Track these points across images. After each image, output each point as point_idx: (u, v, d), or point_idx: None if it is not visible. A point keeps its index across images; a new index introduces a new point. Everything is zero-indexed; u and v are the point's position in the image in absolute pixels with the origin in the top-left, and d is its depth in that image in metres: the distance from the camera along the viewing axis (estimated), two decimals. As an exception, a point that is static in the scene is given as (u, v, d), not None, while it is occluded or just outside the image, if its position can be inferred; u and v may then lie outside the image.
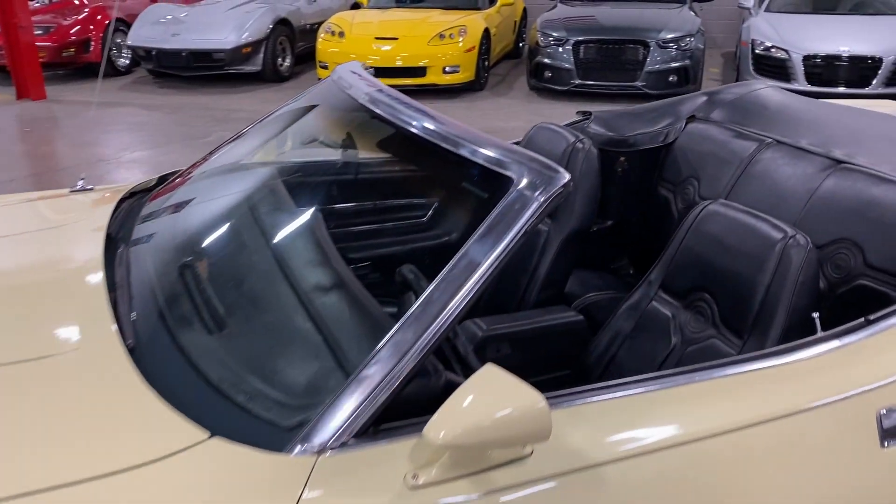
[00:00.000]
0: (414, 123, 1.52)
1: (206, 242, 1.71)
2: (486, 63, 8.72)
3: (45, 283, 1.64)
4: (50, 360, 1.32)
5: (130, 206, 2.06)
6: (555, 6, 8.97)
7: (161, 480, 1.06)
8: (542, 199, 1.22)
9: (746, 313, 1.67)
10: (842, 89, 7.44)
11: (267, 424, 1.17)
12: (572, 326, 2.13)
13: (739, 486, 1.28)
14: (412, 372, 1.14)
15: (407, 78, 8.04)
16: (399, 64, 7.98)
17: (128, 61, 9.43)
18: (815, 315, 1.50)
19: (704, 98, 2.75)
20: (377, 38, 8.13)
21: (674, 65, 7.64)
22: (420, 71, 8.01)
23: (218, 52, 8.41)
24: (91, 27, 9.13)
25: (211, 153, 2.23)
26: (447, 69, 8.03)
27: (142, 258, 1.66)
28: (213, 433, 1.13)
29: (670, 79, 7.66)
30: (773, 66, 7.68)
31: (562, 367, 2.12)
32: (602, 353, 2.00)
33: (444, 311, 1.15)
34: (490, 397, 1.06)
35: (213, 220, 1.79)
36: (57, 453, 1.11)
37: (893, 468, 1.36)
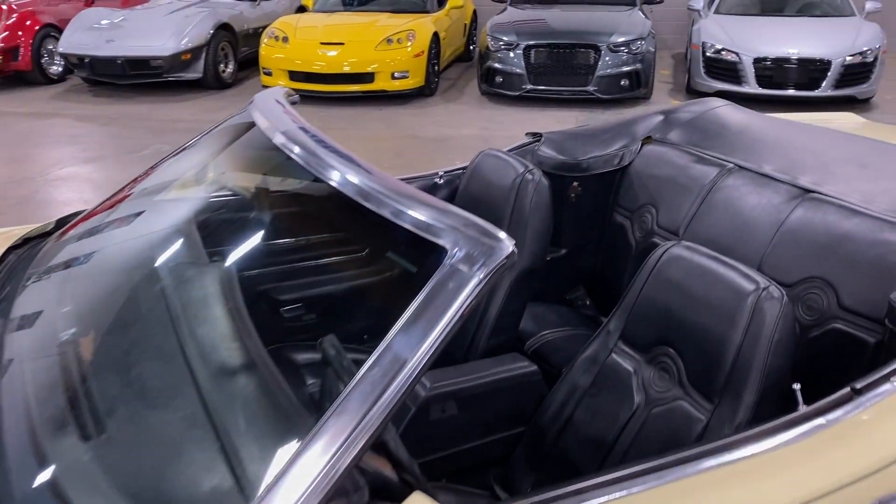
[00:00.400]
0: (333, 174, 1.30)
1: (91, 316, 1.47)
2: (436, 68, 8.51)
3: None
4: None
5: (18, 258, 1.80)
6: (504, 9, 8.81)
7: None
8: (482, 276, 1.01)
9: (716, 374, 1.50)
10: (792, 92, 7.43)
11: None
12: (525, 378, 1.94)
13: None
14: (325, 498, 0.93)
15: (354, 84, 7.79)
16: (346, 70, 7.73)
17: (60, 69, 8.98)
18: (797, 387, 1.33)
19: (661, 118, 2.59)
20: (322, 44, 7.86)
21: (625, 69, 7.53)
22: (368, 77, 7.77)
23: (156, 59, 8.04)
24: (20, 33, 8.67)
25: (118, 192, 1.98)
26: (396, 75, 7.80)
27: (15, 333, 1.41)
28: None
29: (622, 83, 7.56)
30: (723, 69, 7.62)
31: (515, 424, 1.92)
32: (558, 410, 1.82)
33: (362, 425, 0.94)
34: None
35: (105, 286, 1.55)
36: None
37: None
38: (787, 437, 1.22)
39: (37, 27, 8.77)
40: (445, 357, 2.15)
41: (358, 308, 2.47)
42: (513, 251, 1.04)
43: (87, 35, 8.29)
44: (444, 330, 0.98)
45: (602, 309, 2.63)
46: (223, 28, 8.66)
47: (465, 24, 10.22)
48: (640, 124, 2.59)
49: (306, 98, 8.05)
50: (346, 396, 0.97)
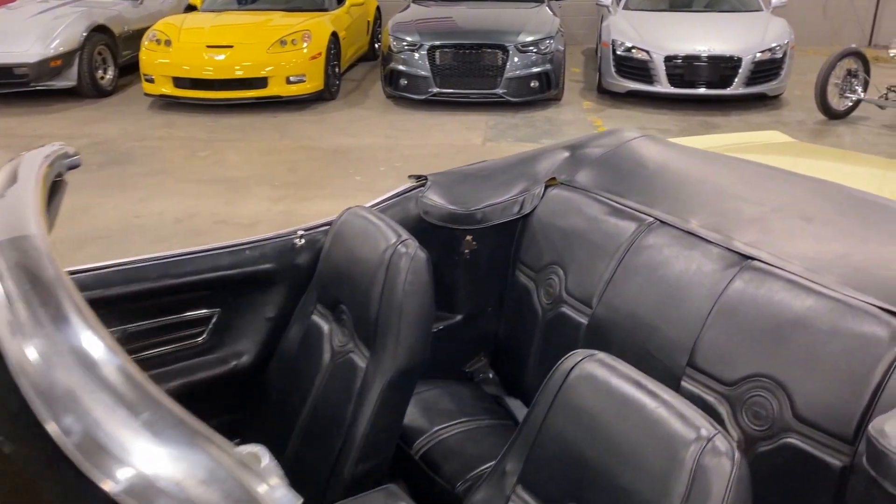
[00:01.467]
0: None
1: None
2: (337, 70, 7.97)
3: None
4: None
5: None
6: (407, 7, 8.33)
7: None
8: None
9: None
10: (703, 91, 7.23)
11: None
12: None
13: None
14: None
15: (247, 90, 7.18)
16: (237, 75, 7.11)
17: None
18: None
19: (566, 154, 2.18)
20: (209, 47, 7.20)
21: (535, 70, 7.18)
22: (261, 82, 7.16)
23: (20, 67, 7.21)
24: None
25: None
26: (291, 79, 7.22)
27: None
28: None
29: (532, 84, 7.20)
30: (634, 69, 7.37)
31: None
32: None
33: None
34: None
35: None
36: None
37: None
38: None
39: None
40: (305, 483, 1.68)
41: None
42: None
43: (-61, 40, 7.38)
44: None
45: (507, 384, 2.21)
46: (99, 30, 7.87)
47: (369, 22, 9.70)
48: (542, 162, 2.17)
49: (193, 106, 7.39)
50: None
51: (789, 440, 1.39)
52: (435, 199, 2.09)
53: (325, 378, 1.73)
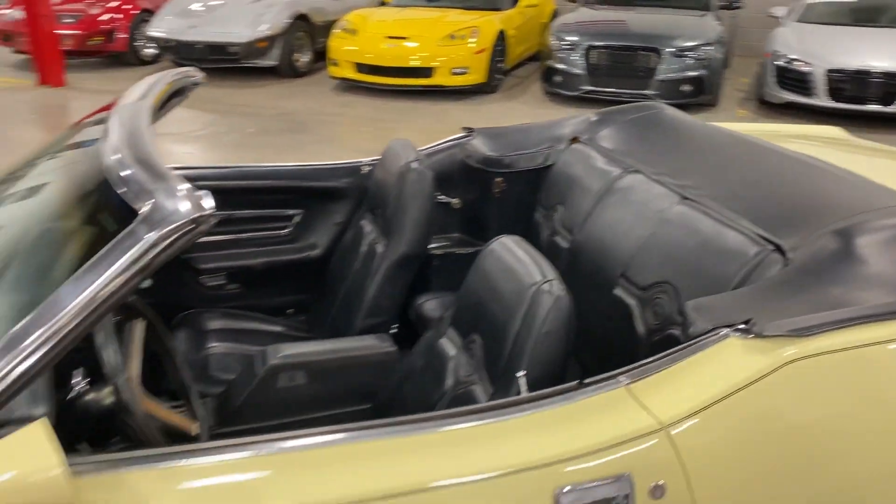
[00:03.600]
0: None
1: None
2: (501, 65, 8.54)
3: None
4: None
5: None
6: (576, 9, 8.73)
7: None
8: (153, 238, 1.09)
9: (499, 361, 1.53)
10: (868, 107, 7.00)
11: None
12: (380, 358, 2.00)
13: None
14: None
15: (415, 78, 7.94)
16: (413, 63, 7.87)
17: (154, 51, 9.59)
18: (519, 374, 1.35)
19: (593, 119, 2.57)
20: (388, 37, 8.04)
21: (688, 74, 7.32)
22: (427, 71, 7.89)
23: (233, 46, 8.47)
24: (119, 17, 9.32)
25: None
26: (455, 70, 7.88)
27: None
28: None
29: (682, 88, 7.35)
30: (793, 80, 7.28)
31: (363, 400, 1.99)
32: (395, 389, 1.88)
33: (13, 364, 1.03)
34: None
35: None
36: None
37: None
38: (505, 417, 1.24)
39: (134, 12, 9.40)
40: (335, 331, 2.25)
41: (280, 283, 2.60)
42: (194, 218, 1.11)
43: (175, 21, 8.82)
44: (102, 287, 1.06)
45: None
46: (301, 18, 9.00)
47: (543, 23, 10.17)
48: (571, 124, 2.58)
49: (368, 90, 8.26)
50: (17, 328, 1.06)
51: (671, 331, 1.74)
52: (476, 146, 2.57)
53: (358, 264, 2.29)
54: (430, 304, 2.42)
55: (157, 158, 1.22)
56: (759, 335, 1.34)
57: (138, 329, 1.58)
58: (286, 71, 8.87)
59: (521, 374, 1.39)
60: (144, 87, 1.69)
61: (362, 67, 8.11)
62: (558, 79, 7.75)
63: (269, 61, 8.73)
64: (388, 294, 2.15)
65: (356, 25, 8.29)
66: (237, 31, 8.52)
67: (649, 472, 1.25)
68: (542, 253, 2.41)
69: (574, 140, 2.51)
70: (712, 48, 7.38)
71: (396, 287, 2.17)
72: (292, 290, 2.57)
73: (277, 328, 2.44)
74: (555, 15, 10.69)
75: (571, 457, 1.21)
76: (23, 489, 0.95)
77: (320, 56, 9.53)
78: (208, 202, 1.11)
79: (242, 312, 2.46)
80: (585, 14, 8.36)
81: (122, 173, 1.17)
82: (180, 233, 1.08)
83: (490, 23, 8.28)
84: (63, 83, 8.32)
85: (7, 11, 9.34)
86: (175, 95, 1.98)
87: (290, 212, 2.56)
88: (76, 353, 1.14)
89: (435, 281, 2.58)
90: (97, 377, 1.40)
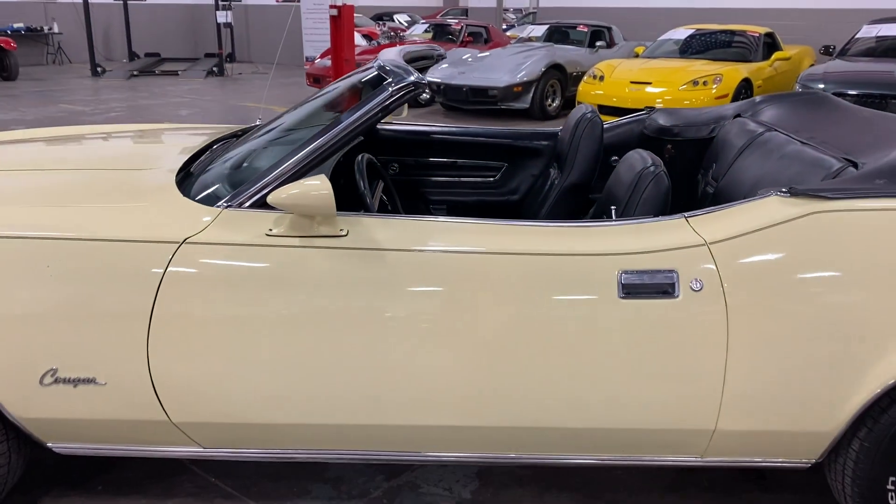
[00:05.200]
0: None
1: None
2: (744, 113, 8.73)
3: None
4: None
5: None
6: (832, 60, 8.70)
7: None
8: (393, 89, 1.90)
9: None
10: None
11: (216, 197, 1.99)
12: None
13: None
14: (293, 175, 1.88)
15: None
16: (657, 105, 8.39)
17: (428, 96, 11.10)
18: (613, 208, 1.93)
19: (758, 100, 3.02)
20: (632, 82, 8.67)
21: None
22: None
23: (492, 90, 9.62)
24: (403, 65, 10.98)
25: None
26: (694, 114, 8.26)
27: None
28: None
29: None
30: None
31: None
32: None
33: (317, 147, 1.89)
34: (302, 187, 1.77)
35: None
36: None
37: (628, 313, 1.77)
38: (595, 224, 1.87)
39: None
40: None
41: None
42: (416, 80, 1.90)
43: (448, 69, 10.23)
44: (364, 114, 1.88)
45: None
46: (555, 68, 9.96)
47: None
48: (737, 105, 3.04)
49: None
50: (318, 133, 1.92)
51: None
52: (654, 119, 3.14)
53: (541, 197, 2.97)
54: None
55: (402, 65, 2.04)
56: (794, 194, 1.81)
57: (379, 188, 2.42)
58: (536, 114, 9.83)
59: (613, 208, 1.96)
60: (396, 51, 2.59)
61: (605, 110, 8.79)
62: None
63: (522, 104, 9.76)
64: (557, 215, 2.79)
65: (604, 72, 9.03)
66: (497, 76, 9.67)
67: (691, 271, 1.77)
68: (697, 204, 2.91)
69: (737, 116, 2.98)
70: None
71: (563, 210, 2.80)
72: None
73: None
74: (812, 71, 10.60)
75: (634, 252, 1.78)
76: (308, 196, 1.76)
77: (570, 103, 10.41)
78: (423, 78, 1.90)
79: None
80: (837, 65, 8.32)
81: (386, 66, 2.02)
82: (407, 86, 1.88)
83: (735, 71, 8.57)
84: (353, 116, 10.00)
85: (318, 61, 11.47)
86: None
87: (497, 163, 3.31)
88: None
89: None
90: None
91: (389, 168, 3.36)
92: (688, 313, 1.76)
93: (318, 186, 1.75)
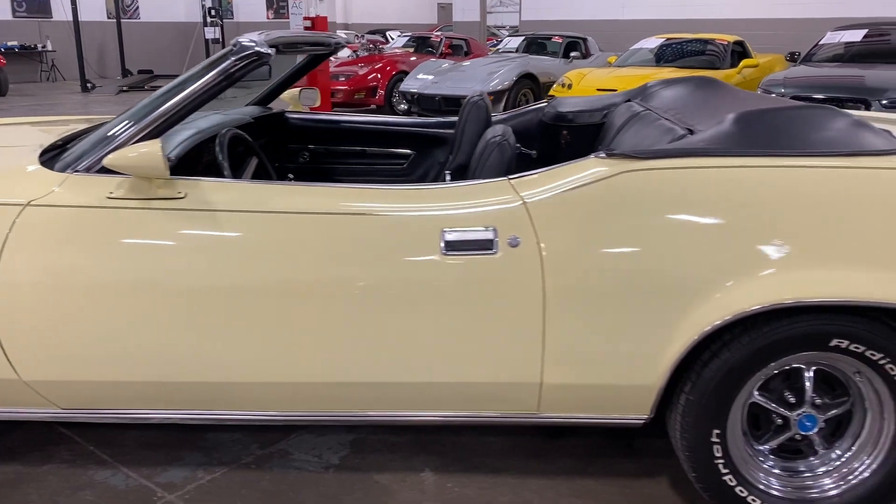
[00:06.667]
0: None
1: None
2: (710, 119, 8.81)
3: None
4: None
5: None
6: (794, 66, 8.79)
7: None
8: (234, 58, 1.99)
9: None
10: None
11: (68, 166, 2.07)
12: None
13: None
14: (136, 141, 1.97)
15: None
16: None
17: (405, 106, 11.23)
18: (446, 173, 2.01)
19: (649, 85, 3.11)
20: (598, 90, 8.77)
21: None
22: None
23: (463, 98, 9.73)
24: (379, 76, 11.14)
25: None
26: (659, 120, 8.35)
27: None
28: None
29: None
30: None
31: None
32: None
33: (160, 115, 1.99)
34: (135, 150, 1.85)
35: None
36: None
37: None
38: (421, 187, 1.96)
39: (392, 72, 11.17)
40: None
41: None
42: (256, 52, 1.99)
43: (421, 79, 10.37)
44: (204, 81, 1.97)
45: None
46: (527, 77, 10.09)
47: (767, 86, 10.24)
48: (629, 92, 3.13)
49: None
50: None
51: None
52: (552, 108, 3.23)
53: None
54: None
55: (257, 40, 2.13)
56: (609, 155, 1.89)
57: (252, 163, 2.50)
58: (510, 122, 9.93)
59: (447, 173, 2.04)
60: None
61: (574, 118, 8.90)
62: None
63: (495, 114, 9.85)
64: None
65: (573, 80, 9.14)
66: (470, 85, 9.79)
67: (509, 228, 1.84)
68: None
69: (627, 101, 3.07)
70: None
71: None
72: None
73: None
74: (784, 79, 10.69)
75: (456, 210, 1.86)
76: (140, 157, 1.84)
77: (544, 112, 10.52)
78: (269, 51, 1.99)
79: None
80: (798, 71, 8.40)
81: (242, 40, 2.10)
82: (249, 60, 1.97)
83: (699, 78, 8.66)
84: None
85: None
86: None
87: (406, 151, 3.40)
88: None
89: None
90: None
91: (300, 156, 3.45)
92: (506, 269, 1.84)
93: (150, 148, 1.84)
